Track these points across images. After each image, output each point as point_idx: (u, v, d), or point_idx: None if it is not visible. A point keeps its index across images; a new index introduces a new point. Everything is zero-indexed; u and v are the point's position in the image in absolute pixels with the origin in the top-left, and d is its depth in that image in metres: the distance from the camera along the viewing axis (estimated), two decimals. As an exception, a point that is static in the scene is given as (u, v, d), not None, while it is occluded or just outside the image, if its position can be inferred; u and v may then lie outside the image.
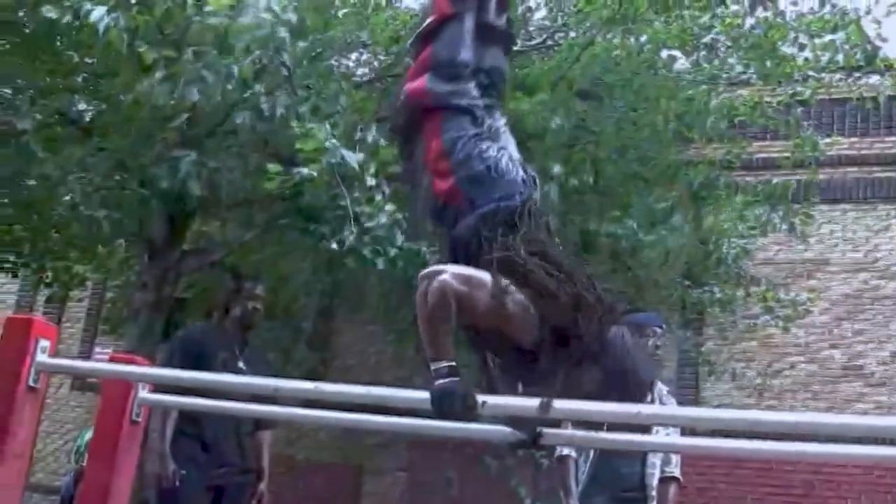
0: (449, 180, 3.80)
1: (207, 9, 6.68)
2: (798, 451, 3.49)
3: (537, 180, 3.93)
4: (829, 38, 9.17)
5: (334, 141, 6.85)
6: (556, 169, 8.06)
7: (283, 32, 6.81)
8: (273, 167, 7.14)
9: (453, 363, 3.37)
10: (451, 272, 3.44)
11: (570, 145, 8.98)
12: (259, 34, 6.70)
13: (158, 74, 6.84)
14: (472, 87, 3.93)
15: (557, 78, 8.66)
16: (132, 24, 6.60)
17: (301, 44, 7.26)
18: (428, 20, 4.12)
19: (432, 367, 3.36)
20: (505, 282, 3.45)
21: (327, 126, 6.92)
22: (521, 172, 3.82)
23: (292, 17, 6.91)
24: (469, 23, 4.03)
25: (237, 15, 6.65)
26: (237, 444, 6.44)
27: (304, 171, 6.88)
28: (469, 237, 3.70)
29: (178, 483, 6.14)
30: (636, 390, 3.59)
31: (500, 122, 4.00)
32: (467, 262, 3.61)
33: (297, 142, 6.98)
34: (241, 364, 6.41)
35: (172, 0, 6.85)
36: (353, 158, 6.90)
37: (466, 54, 3.98)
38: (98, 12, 6.39)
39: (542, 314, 3.46)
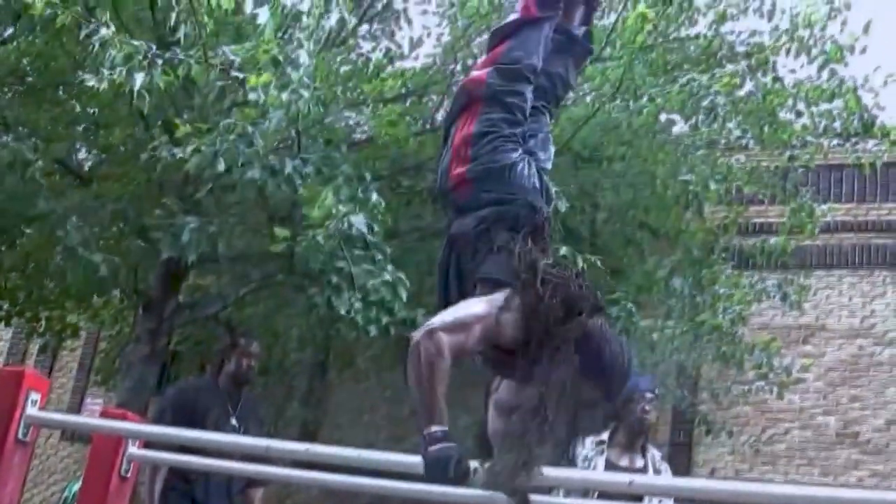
0: (464, 167, 3.87)
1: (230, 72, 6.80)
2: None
3: (552, 195, 4.06)
4: (826, 106, 9.23)
5: (341, 207, 6.89)
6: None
7: (309, 101, 6.90)
8: (280, 231, 7.18)
9: (446, 428, 3.34)
10: (440, 326, 3.43)
11: (571, 206, 9.00)
12: (293, 110, 6.79)
13: (190, 148, 6.94)
14: (527, 90, 4.01)
15: (559, 147, 8.70)
16: (160, 86, 6.70)
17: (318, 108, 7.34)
18: (511, 17, 4.24)
19: (426, 432, 3.33)
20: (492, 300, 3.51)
21: (331, 192, 6.95)
22: (535, 181, 3.90)
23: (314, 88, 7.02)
24: (547, 29, 4.14)
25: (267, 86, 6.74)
26: (228, 501, 6.39)
27: (310, 233, 6.92)
28: (467, 237, 3.78)
29: (165, 539, 6.09)
30: (618, 380, 3.62)
31: (544, 128, 4.13)
32: (458, 263, 3.74)
33: (303, 206, 7.02)
34: (233, 421, 6.37)
35: (197, 63, 6.96)
36: (362, 223, 6.94)
37: (535, 59, 4.06)
38: (139, 78, 6.48)
39: (530, 316, 3.50)
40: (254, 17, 7.08)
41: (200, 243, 7.60)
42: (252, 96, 6.80)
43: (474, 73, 4.15)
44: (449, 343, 3.38)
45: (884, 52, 9.19)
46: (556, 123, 8.90)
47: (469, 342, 3.43)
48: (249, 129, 6.94)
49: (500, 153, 3.85)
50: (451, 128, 4.07)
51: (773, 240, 10.20)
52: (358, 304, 7.30)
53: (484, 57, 4.29)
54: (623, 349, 3.62)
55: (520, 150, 3.90)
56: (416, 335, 3.45)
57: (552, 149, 4.18)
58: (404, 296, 7.36)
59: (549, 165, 4.09)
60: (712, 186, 9.16)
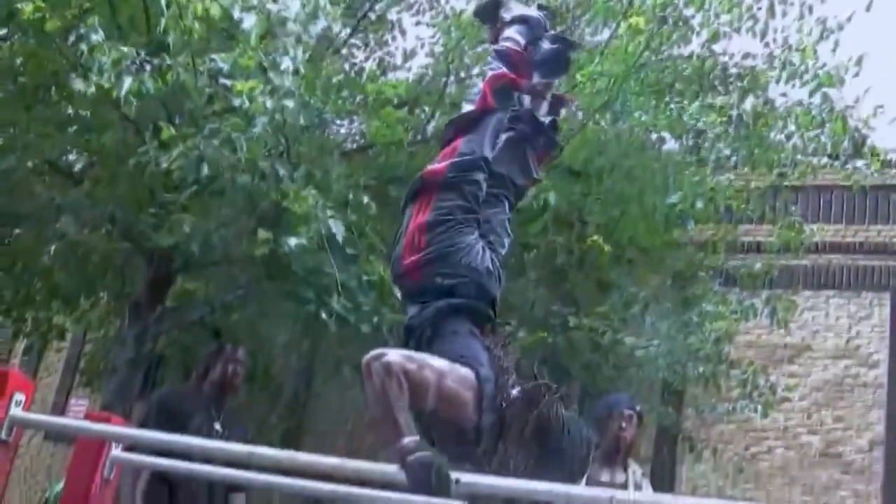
0: (418, 254, 3.90)
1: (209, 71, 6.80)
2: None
3: (502, 277, 4.07)
4: (815, 132, 9.28)
5: (325, 211, 6.89)
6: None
7: (294, 110, 6.91)
8: (263, 234, 7.16)
9: (417, 437, 3.34)
10: (393, 352, 3.47)
11: (565, 221, 9.04)
12: (277, 118, 6.81)
13: (176, 151, 6.94)
14: (481, 178, 4.07)
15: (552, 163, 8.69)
16: (150, 91, 6.72)
17: (302, 116, 7.35)
18: (468, 108, 4.30)
19: (399, 445, 3.33)
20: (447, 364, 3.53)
21: (313, 192, 6.96)
22: (489, 264, 3.94)
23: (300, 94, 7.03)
24: (500, 120, 4.24)
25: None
26: (209, 505, 6.38)
27: (294, 240, 6.92)
28: (423, 327, 3.81)
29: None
30: (574, 466, 3.62)
31: (500, 214, 4.18)
32: (417, 350, 3.68)
33: (285, 202, 7.02)
34: (217, 426, 6.36)
35: (185, 70, 6.97)
36: (340, 230, 6.95)
37: (488, 150, 4.14)
38: (127, 82, 6.50)
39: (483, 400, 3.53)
40: (240, 22, 7.06)
41: (197, 237, 7.60)
42: (237, 102, 6.81)
43: (432, 166, 4.18)
44: (402, 367, 3.39)
45: (875, 72, 9.25)
46: None
47: (422, 378, 3.43)
48: (234, 135, 6.95)
49: (456, 237, 3.90)
50: (406, 212, 4.11)
51: (758, 265, 10.26)
52: (349, 304, 7.32)
53: (442, 149, 4.30)
54: (580, 436, 3.63)
55: (475, 234, 3.97)
56: (366, 358, 3.47)
57: (507, 238, 4.25)
58: (386, 310, 7.39)
59: (502, 251, 4.16)
60: (699, 205, 9.19)
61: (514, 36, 4.46)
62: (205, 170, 6.92)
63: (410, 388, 3.39)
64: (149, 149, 7.23)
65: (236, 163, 7.04)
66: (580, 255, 9.09)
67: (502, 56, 4.38)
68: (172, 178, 7.43)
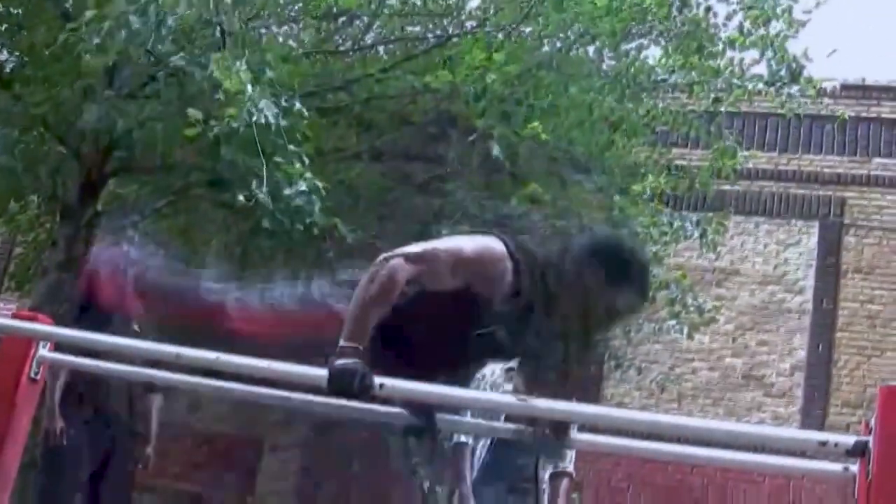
0: None
1: None
2: (691, 455, 3.56)
3: None
4: (754, 57, 9.34)
5: (257, 91, 6.74)
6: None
7: None
8: (193, 112, 6.97)
9: (360, 348, 3.36)
10: (404, 252, 3.47)
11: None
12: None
13: (88, 13, 6.70)
14: None
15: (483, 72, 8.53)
16: None
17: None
18: None
19: (340, 345, 3.36)
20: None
21: (244, 68, 6.78)
22: None
23: None
24: None
25: None
26: (128, 405, 6.42)
27: (224, 120, 6.76)
28: None
29: (64, 441, 6.12)
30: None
31: None
32: None
33: (217, 74, 6.82)
34: (134, 327, 6.36)
35: None
36: (272, 110, 6.79)
37: None
38: None
39: None
40: None
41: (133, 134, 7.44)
42: None
43: None
44: (409, 272, 3.42)
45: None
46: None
47: (433, 269, 3.46)
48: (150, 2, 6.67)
49: None
50: None
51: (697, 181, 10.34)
52: (282, 205, 7.22)
53: None
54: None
55: None
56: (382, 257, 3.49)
57: None
58: (317, 206, 7.29)
59: None
60: (636, 119, 9.21)
61: None
62: (122, 38, 6.63)
63: (427, 277, 3.45)
64: (80, 25, 6.91)
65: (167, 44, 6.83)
66: (514, 150, 8.97)
67: None
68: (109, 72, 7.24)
